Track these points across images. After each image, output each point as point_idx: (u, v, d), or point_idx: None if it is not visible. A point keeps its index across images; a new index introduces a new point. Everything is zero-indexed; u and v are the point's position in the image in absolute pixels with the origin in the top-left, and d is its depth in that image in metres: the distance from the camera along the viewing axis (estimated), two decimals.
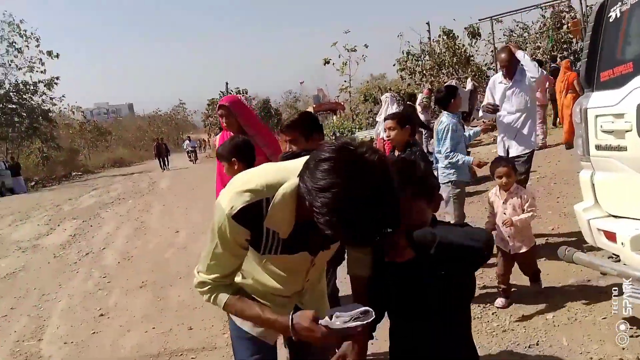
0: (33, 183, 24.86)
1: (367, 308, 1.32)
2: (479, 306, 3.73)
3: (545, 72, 11.45)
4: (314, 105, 26.64)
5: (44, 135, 29.40)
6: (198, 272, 1.54)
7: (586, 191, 3.19)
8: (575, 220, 3.47)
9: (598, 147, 2.99)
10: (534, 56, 16.81)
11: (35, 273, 6.84)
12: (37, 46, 28.25)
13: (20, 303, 5.64)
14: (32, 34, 28.01)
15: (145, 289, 5.51)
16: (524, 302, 3.70)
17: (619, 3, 2.88)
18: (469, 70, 19.37)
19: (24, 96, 28.81)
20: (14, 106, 28.53)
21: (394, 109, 7.40)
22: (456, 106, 4.51)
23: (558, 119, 11.42)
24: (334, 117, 26.35)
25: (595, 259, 2.93)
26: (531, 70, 4.65)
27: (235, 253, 1.46)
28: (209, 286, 1.52)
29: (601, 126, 2.92)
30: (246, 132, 3.69)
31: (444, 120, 4.42)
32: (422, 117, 12.55)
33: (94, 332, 4.50)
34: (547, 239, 4.98)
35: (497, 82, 4.98)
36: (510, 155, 4.70)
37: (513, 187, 3.66)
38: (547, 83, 10.44)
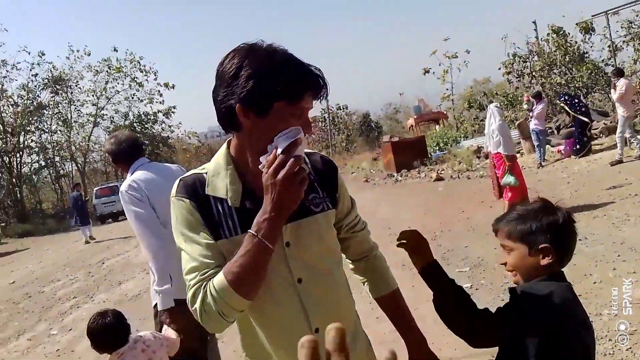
0: None
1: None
2: (610, 340, 3.35)
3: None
4: (415, 117, 26.17)
5: (164, 160, 32.02)
6: (188, 286, 1.27)
7: None
8: None
9: None
10: None
11: None
12: (155, 79, 31.02)
13: (144, 326, 6.03)
14: (150, 68, 30.81)
15: None
16: None
17: None
18: (584, 68, 17.95)
19: (145, 125, 31.73)
20: (137, 135, 31.49)
21: (497, 121, 6.99)
22: None
23: None
24: (437, 127, 25.73)
25: None
26: None
27: (207, 239, 1.27)
28: (200, 284, 1.23)
29: None
30: None
31: None
32: (533, 125, 11.86)
33: None
34: None
35: None
36: None
37: None
38: None
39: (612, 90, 10.28)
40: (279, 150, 1.18)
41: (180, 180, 1.36)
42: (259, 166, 1.22)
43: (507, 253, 1.50)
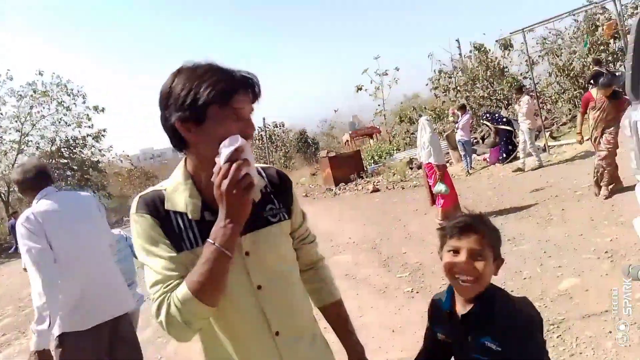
0: None
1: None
2: None
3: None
4: (350, 132, 26.74)
5: (95, 185, 30.66)
6: (152, 299, 1.30)
7: None
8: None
9: None
10: (570, 62, 16.42)
11: None
12: (84, 102, 29.76)
13: None
14: (78, 91, 29.53)
15: None
16: (590, 322, 3.55)
17: None
18: (504, 81, 19.08)
19: (74, 150, 30.26)
20: (65, 160, 29.98)
21: (427, 133, 7.36)
22: None
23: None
24: (371, 141, 26.39)
25: None
26: None
27: (169, 252, 1.31)
28: (164, 296, 1.27)
29: None
30: None
31: None
32: (459, 136, 12.49)
33: None
34: (608, 252, 4.78)
35: None
36: None
37: None
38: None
39: (516, 106, 11.24)
40: (222, 161, 1.22)
41: (139, 197, 1.39)
42: (211, 179, 1.26)
43: (477, 259, 1.46)
